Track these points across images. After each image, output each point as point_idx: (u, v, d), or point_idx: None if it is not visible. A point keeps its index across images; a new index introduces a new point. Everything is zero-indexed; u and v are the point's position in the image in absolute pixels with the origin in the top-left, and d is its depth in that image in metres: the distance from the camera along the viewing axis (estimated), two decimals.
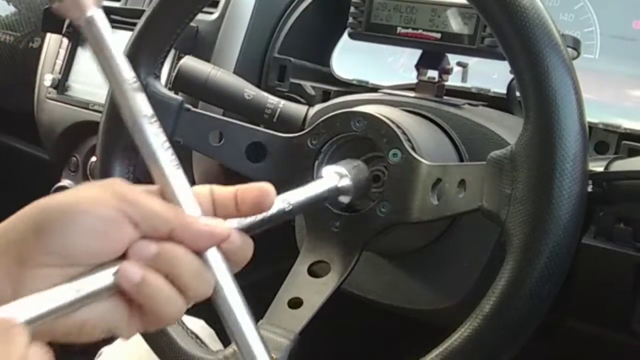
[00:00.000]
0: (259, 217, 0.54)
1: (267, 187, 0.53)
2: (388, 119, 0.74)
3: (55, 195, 0.50)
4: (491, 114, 0.85)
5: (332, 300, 0.71)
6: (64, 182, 1.27)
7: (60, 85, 1.25)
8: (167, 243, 0.49)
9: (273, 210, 0.55)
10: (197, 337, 0.76)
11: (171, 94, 0.81)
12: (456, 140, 0.78)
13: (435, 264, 0.80)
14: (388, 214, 0.71)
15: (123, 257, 0.48)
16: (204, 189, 0.53)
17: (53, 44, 1.28)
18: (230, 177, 0.78)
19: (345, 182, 0.69)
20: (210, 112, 0.82)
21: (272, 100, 0.88)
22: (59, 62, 1.25)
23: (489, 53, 0.81)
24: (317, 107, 0.88)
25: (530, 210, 0.61)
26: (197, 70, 0.88)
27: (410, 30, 0.84)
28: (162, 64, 0.80)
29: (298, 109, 0.88)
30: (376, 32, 0.86)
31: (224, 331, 0.52)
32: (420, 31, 0.84)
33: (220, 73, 0.88)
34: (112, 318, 0.49)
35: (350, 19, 0.88)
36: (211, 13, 1.09)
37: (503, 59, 0.65)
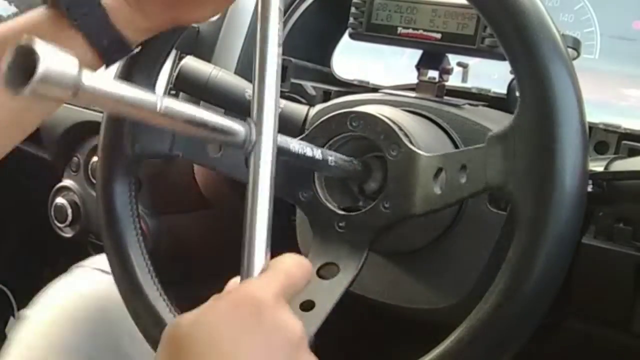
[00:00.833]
0: None
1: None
2: (384, 116, 0.74)
3: None
4: (491, 114, 0.85)
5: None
6: (65, 182, 1.27)
7: None
8: None
9: None
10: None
11: None
12: (456, 141, 0.78)
13: (436, 263, 0.80)
14: (392, 209, 0.71)
15: None
16: None
17: None
18: (233, 185, 0.78)
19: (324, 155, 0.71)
20: None
21: None
22: None
23: (489, 53, 0.81)
24: (318, 107, 0.88)
25: (537, 180, 0.60)
26: (198, 70, 0.88)
27: (410, 31, 0.84)
28: (158, 74, 0.79)
29: (299, 109, 0.88)
30: (377, 32, 0.87)
31: None
32: (420, 31, 0.84)
33: (222, 73, 0.88)
34: None
35: (351, 19, 0.88)
36: None
37: (503, 59, 0.65)
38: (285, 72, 1.03)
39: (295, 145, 0.68)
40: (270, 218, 0.58)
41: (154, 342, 0.76)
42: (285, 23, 1.08)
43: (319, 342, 0.65)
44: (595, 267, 0.78)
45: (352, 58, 1.04)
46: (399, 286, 0.82)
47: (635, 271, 0.76)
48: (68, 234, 1.27)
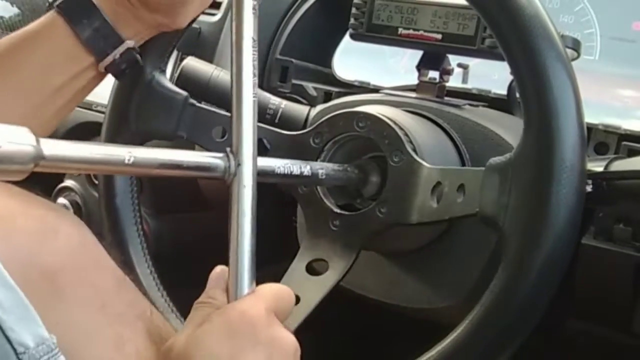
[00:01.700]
0: None
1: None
2: (391, 120, 0.74)
3: None
4: (492, 114, 0.85)
5: (333, 299, 0.71)
6: (67, 182, 1.27)
7: None
8: None
9: None
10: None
11: (176, 88, 0.81)
12: (457, 141, 0.79)
13: (436, 263, 0.80)
14: (387, 215, 0.72)
15: None
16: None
17: None
18: None
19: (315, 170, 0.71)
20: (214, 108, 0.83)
21: (274, 100, 0.88)
22: None
23: (489, 54, 0.81)
24: (319, 107, 0.88)
25: (527, 220, 0.61)
26: (199, 71, 0.89)
27: (411, 31, 0.85)
28: (169, 58, 0.80)
29: (300, 110, 0.89)
30: (377, 33, 0.87)
31: None
32: (421, 32, 0.84)
33: (223, 74, 0.89)
34: None
35: (352, 20, 0.88)
36: (213, 14, 1.09)
37: (503, 59, 0.65)
38: (286, 73, 1.03)
39: (281, 166, 0.68)
40: (254, 244, 0.58)
41: None
42: (286, 24, 1.08)
43: (318, 340, 0.66)
44: (595, 268, 0.78)
45: (352, 59, 1.04)
46: (399, 286, 0.82)
47: (635, 271, 0.76)
48: None
